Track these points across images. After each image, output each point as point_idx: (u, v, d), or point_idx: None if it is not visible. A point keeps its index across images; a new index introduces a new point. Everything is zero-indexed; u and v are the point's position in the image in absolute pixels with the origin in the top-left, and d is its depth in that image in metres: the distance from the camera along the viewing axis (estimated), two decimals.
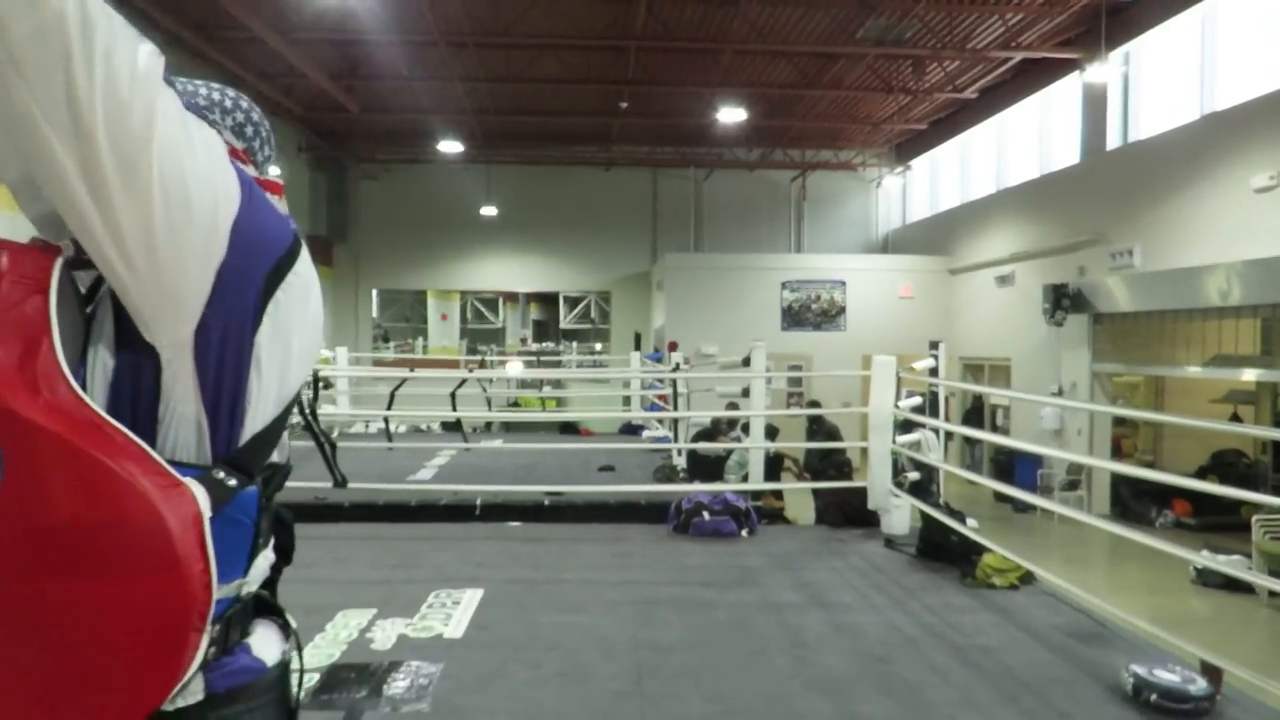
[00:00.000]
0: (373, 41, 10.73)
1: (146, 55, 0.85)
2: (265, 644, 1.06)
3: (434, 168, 17.12)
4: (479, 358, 15.31)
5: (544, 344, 19.84)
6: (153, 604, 0.86)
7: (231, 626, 1.01)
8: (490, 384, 10.82)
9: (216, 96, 1.16)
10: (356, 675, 3.23)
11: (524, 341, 20.03)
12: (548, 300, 20.62)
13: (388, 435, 7.83)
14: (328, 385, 8.16)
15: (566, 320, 20.18)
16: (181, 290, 0.92)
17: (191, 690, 0.96)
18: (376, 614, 3.91)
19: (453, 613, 3.97)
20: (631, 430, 10.58)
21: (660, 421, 9.78)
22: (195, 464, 0.96)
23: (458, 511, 6.00)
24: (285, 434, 1.10)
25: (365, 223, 17.77)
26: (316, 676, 3.19)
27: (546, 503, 6.12)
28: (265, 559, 1.06)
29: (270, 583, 1.10)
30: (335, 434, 6.40)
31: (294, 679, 1.12)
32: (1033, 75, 13.13)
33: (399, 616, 3.89)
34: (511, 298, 20.49)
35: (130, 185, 0.84)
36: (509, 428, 12.08)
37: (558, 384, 15.13)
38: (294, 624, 1.14)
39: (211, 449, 0.98)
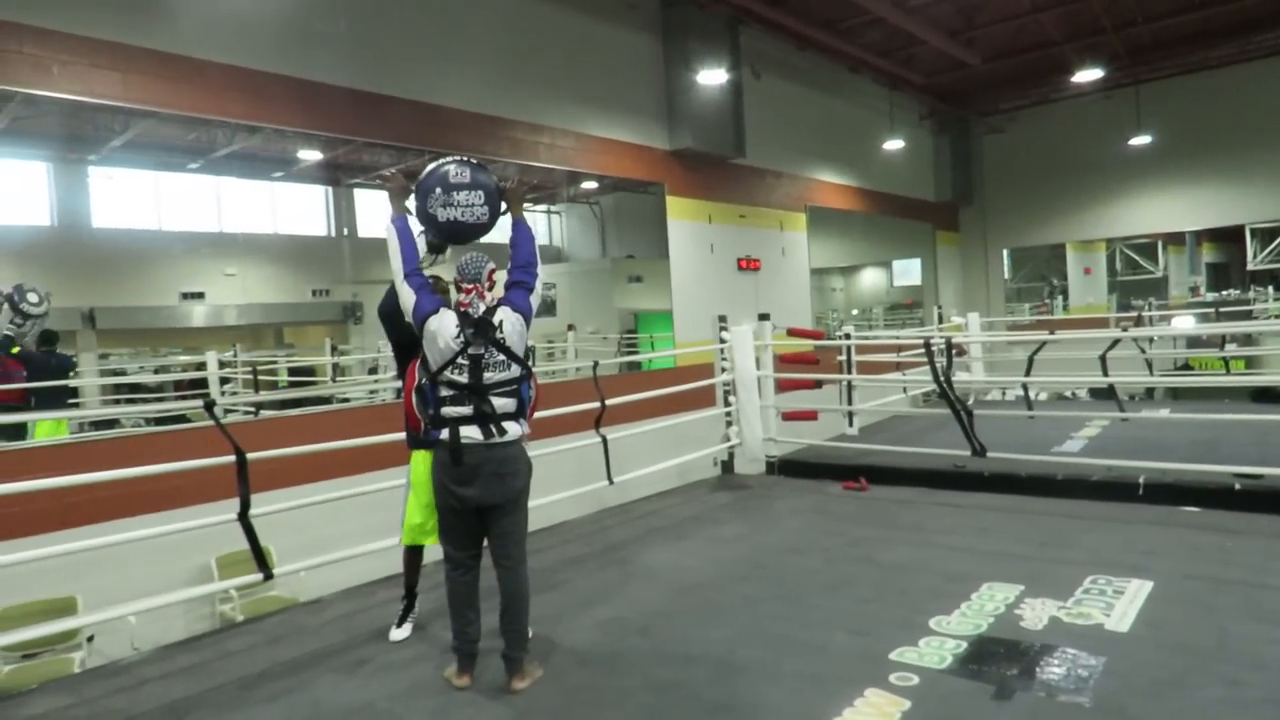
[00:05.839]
0: None
1: (402, 284, 3.13)
2: (444, 433, 3.02)
3: (1066, 106, 15.32)
4: (1134, 314, 13.22)
5: (1225, 292, 16.11)
6: (407, 402, 3.36)
7: (434, 424, 3.05)
8: (1151, 344, 9.32)
9: (461, 262, 3.07)
10: (1005, 651, 3.15)
11: (1194, 291, 16.63)
12: (1227, 237, 16.68)
13: (1027, 403, 7.41)
14: (960, 352, 8.07)
15: (1257, 260, 16.05)
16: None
17: (430, 439, 3.13)
18: (1024, 591, 3.76)
19: (1114, 603, 3.55)
20: None
21: None
22: (424, 378, 3.10)
23: (1114, 490, 5.37)
24: (452, 367, 3.01)
25: (991, 180, 16.95)
26: (964, 645, 3.22)
27: (1238, 487, 5.00)
28: (455, 410, 3.01)
29: (482, 418, 3.02)
30: (970, 401, 6.31)
31: (463, 445, 3.01)
32: None
33: (1050, 597, 3.65)
34: (1175, 239, 17.18)
35: (401, 298, 3.18)
36: (1177, 394, 10.20)
37: (1248, 340, 12.10)
38: (495, 430, 3.02)
39: (427, 373, 3.06)
